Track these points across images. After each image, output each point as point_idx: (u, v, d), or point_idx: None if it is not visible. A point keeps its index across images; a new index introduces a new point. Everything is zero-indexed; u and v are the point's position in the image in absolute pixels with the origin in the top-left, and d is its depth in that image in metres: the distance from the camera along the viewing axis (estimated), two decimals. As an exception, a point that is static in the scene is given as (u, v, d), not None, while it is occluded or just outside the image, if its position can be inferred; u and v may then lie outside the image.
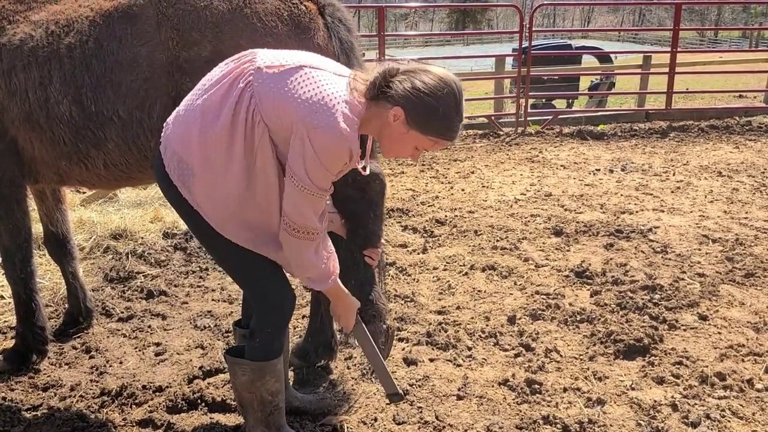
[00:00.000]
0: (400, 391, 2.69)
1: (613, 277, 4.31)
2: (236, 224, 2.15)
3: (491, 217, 5.69)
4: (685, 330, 3.62)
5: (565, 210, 5.85)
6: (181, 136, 2.12)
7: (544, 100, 13.13)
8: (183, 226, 5.09)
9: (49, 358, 3.42)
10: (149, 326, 3.79)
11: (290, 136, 1.99)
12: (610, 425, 2.80)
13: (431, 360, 3.36)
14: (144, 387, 3.12)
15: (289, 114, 1.96)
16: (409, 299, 4.07)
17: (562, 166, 7.58)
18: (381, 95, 2.01)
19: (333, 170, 2.02)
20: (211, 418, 2.89)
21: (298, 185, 2.00)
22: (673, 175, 7.08)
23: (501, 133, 9.47)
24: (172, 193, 2.18)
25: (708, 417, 2.83)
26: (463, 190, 6.64)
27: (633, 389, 3.07)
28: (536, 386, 3.08)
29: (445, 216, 5.69)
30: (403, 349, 3.45)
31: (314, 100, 1.95)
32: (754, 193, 6.29)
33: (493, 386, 3.11)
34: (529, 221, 5.54)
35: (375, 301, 2.81)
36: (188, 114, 2.12)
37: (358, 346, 2.75)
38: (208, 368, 3.25)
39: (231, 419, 2.89)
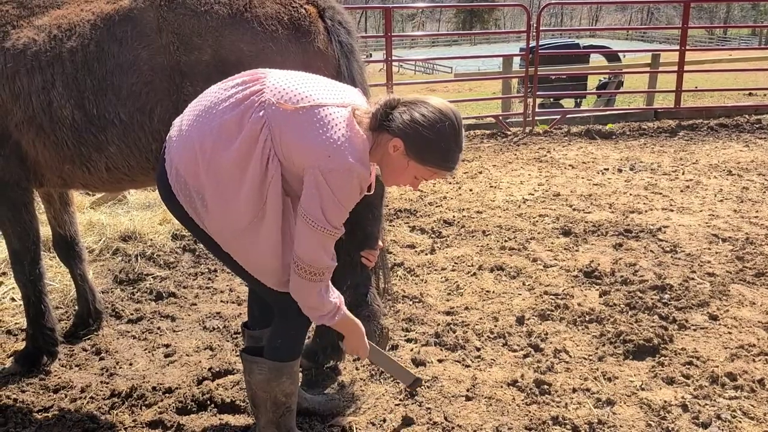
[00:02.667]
0: (418, 376, 2.80)
1: (622, 277, 4.29)
2: (239, 246, 2.17)
3: (499, 217, 5.68)
4: (695, 330, 3.61)
5: (574, 210, 5.83)
6: (187, 161, 2.11)
7: (552, 99, 13.11)
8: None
9: (59, 359, 3.44)
10: (158, 328, 3.80)
11: (301, 173, 2.03)
12: (620, 426, 2.79)
13: (440, 361, 3.35)
14: (154, 388, 3.14)
15: (303, 157, 2.00)
16: (417, 300, 4.06)
17: (570, 165, 7.56)
18: (382, 127, 2.07)
19: (349, 207, 2.07)
20: (220, 419, 2.90)
21: (314, 225, 2.02)
22: (683, 174, 7.04)
23: (509, 132, 9.45)
24: (178, 211, 2.20)
25: (719, 417, 2.82)
26: (470, 190, 6.63)
27: (643, 390, 3.05)
28: (545, 387, 3.07)
29: (453, 216, 5.68)
30: (412, 350, 3.45)
31: (328, 143, 1.98)
32: (765, 192, 6.24)
33: (501, 387, 3.10)
34: (537, 221, 5.52)
35: (370, 302, 2.83)
36: (195, 137, 2.10)
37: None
38: (218, 369, 3.26)
39: (240, 420, 2.90)
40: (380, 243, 2.96)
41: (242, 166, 2.04)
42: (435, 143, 2.04)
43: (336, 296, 2.24)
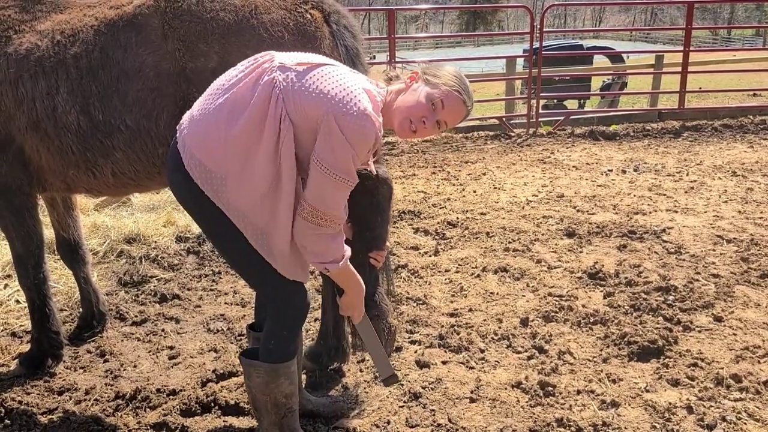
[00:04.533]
0: (397, 373, 2.74)
1: (626, 278, 4.28)
2: (256, 220, 2.15)
3: (503, 218, 5.67)
4: (699, 331, 3.60)
5: (578, 211, 5.82)
6: (202, 140, 2.12)
7: (555, 100, 13.10)
8: (196, 229, 5.12)
9: (64, 362, 3.45)
10: (163, 330, 3.81)
11: (315, 129, 2.05)
12: (625, 428, 2.78)
13: (444, 362, 3.35)
14: (158, 390, 3.14)
15: (315, 108, 2.03)
16: (421, 302, 4.06)
17: (574, 166, 7.55)
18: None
19: (361, 153, 2.08)
20: (224, 421, 2.91)
21: (325, 170, 2.05)
22: (687, 175, 7.03)
23: (512, 134, 9.45)
24: (192, 195, 2.17)
25: (724, 419, 2.81)
26: (474, 191, 6.62)
27: (647, 391, 3.05)
28: (549, 389, 3.07)
29: (457, 218, 5.68)
30: (416, 352, 3.45)
31: (338, 90, 2.04)
32: (769, 193, 6.22)
33: (506, 389, 3.10)
34: (541, 223, 5.51)
35: (379, 302, 2.84)
36: (207, 116, 2.13)
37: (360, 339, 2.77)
38: (222, 371, 3.27)
39: (244, 422, 2.90)
40: (386, 244, 2.96)
41: (258, 128, 2.06)
42: (451, 76, 2.16)
43: (344, 248, 2.25)
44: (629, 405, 2.95)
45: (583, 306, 3.93)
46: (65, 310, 4.06)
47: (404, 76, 2.23)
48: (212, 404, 2.99)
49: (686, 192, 6.36)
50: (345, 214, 2.19)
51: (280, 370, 2.37)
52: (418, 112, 2.14)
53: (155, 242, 5.07)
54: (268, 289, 2.31)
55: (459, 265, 4.66)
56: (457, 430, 2.80)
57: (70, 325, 3.83)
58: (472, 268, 4.59)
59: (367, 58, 2.98)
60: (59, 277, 4.40)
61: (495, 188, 6.74)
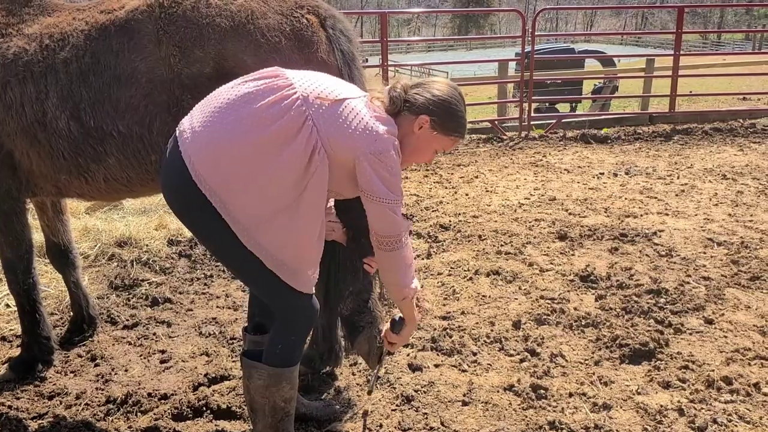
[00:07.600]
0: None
1: (617, 281, 4.30)
2: (265, 237, 2.13)
3: (495, 221, 5.69)
4: (690, 334, 3.61)
5: (570, 214, 5.84)
6: (209, 159, 2.07)
7: (547, 104, 13.14)
8: (187, 233, 5.09)
9: (54, 366, 3.43)
10: (154, 333, 3.79)
11: (343, 162, 2.14)
12: (617, 430, 2.79)
13: (436, 365, 3.35)
14: (149, 395, 3.13)
15: (350, 147, 2.12)
16: (413, 305, 4.06)
17: (565, 170, 7.57)
18: (403, 109, 2.24)
19: (401, 173, 2.24)
20: (216, 425, 2.90)
21: (382, 201, 2.18)
22: (678, 178, 7.06)
23: (504, 137, 9.47)
24: (194, 204, 2.12)
25: (715, 421, 2.82)
26: (467, 194, 6.64)
27: (639, 394, 3.06)
28: (542, 391, 3.07)
29: (449, 221, 5.69)
30: (408, 355, 3.45)
31: (368, 130, 2.13)
32: (759, 196, 6.26)
33: (498, 392, 3.10)
34: (533, 226, 5.53)
35: (372, 308, 2.84)
36: (215, 132, 2.08)
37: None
38: (214, 375, 3.26)
39: (237, 426, 2.89)
40: None
41: (274, 152, 2.05)
42: (456, 112, 2.25)
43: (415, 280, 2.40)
44: (621, 407, 2.96)
45: (575, 309, 3.94)
46: (55, 314, 4.03)
47: (407, 121, 2.24)
48: (204, 408, 2.98)
49: (677, 195, 6.40)
50: (407, 221, 2.31)
51: (284, 374, 2.36)
52: (425, 159, 2.37)
53: (147, 245, 5.05)
54: (276, 297, 2.29)
55: (451, 268, 4.66)
56: (449, 433, 2.80)
57: (61, 329, 3.81)
58: (465, 271, 4.60)
59: (360, 61, 2.99)
60: (49, 281, 4.38)
61: (487, 191, 6.75)
